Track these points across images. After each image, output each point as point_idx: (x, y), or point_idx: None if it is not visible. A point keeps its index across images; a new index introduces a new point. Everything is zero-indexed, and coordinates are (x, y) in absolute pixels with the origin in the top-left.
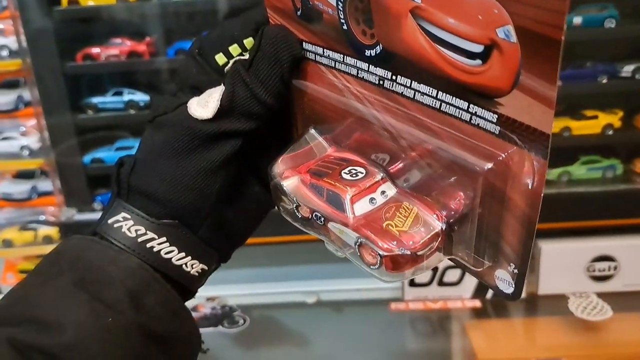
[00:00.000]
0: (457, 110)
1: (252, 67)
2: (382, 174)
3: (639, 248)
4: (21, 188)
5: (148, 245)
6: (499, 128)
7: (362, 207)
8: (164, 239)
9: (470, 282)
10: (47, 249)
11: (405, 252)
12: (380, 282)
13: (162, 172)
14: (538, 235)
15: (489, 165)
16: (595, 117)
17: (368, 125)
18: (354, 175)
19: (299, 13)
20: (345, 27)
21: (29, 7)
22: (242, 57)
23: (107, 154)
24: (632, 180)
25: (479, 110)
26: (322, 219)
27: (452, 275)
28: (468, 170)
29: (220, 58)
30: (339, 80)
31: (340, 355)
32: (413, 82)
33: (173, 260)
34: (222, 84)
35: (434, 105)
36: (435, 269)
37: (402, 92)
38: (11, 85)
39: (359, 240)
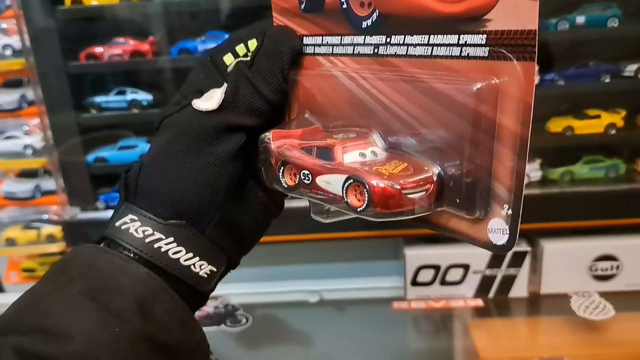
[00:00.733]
0: (448, 48)
1: (254, 63)
2: (374, 137)
3: None
4: (24, 187)
5: (155, 245)
6: (488, 48)
7: (352, 157)
8: (171, 239)
9: (473, 282)
10: (51, 248)
11: (395, 186)
12: (381, 281)
13: (168, 171)
14: (540, 235)
15: (478, 85)
16: (598, 116)
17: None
18: (345, 135)
19: (303, 7)
20: (345, 5)
21: (32, 7)
22: (244, 58)
23: (111, 153)
24: (634, 180)
25: (469, 38)
26: (310, 176)
27: (455, 274)
28: (458, 100)
29: (228, 58)
30: (335, 67)
31: (343, 354)
32: (406, 36)
33: (181, 260)
34: (225, 83)
35: (425, 53)
36: (437, 269)
37: (395, 53)
38: (14, 84)
39: (348, 182)
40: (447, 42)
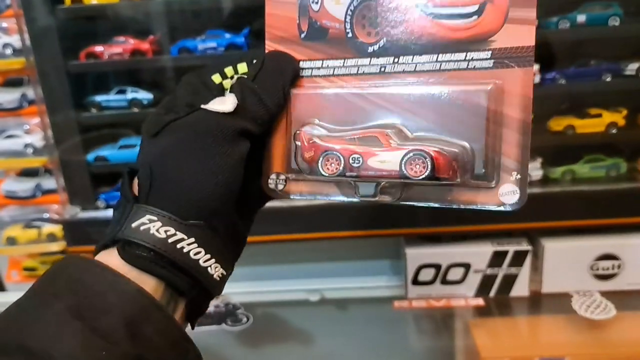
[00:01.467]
0: (456, 63)
1: (257, 79)
2: (402, 129)
3: None
4: (25, 186)
5: (178, 245)
6: (492, 61)
7: (397, 141)
8: (192, 239)
9: (474, 281)
10: (51, 247)
11: (449, 153)
12: (382, 280)
13: (187, 171)
14: (541, 234)
15: (490, 86)
16: (599, 115)
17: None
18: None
19: (303, 36)
20: (350, 34)
21: (33, 6)
22: (242, 76)
23: (111, 152)
24: (636, 179)
25: (476, 55)
26: (361, 159)
27: (456, 273)
28: (473, 100)
29: (216, 77)
30: (334, 84)
31: (344, 353)
32: (414, 57)
33: (200, 262)
34: (228, 93)
35: (434, 68)
36: (438, 268)
37: (403, 70)
38: (15, 83)
39: (407, 157)
40: (455, 59)
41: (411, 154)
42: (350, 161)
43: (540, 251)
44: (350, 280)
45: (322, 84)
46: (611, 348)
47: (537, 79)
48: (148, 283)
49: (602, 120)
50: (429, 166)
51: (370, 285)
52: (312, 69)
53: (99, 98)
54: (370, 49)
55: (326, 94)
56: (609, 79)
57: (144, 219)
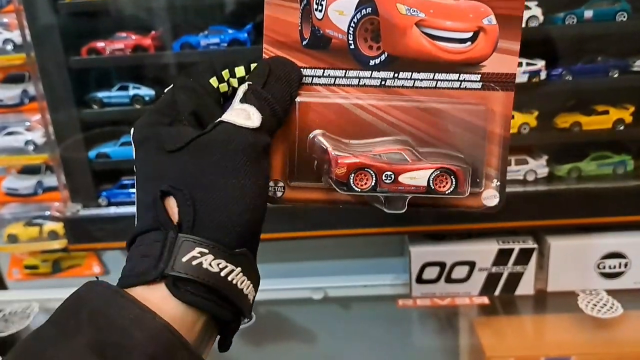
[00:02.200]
0: (450, 82)
1: (267, 87)
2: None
3: None
4: (26, 183)
5: (229, 278)
6: (481, 83)
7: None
8: (240, 269)
9: (479, 279)
10: (53, 244)
11: (463, 169)
12: (386, 278)
13: (229, 194)
14: (547, 232)
15: (483, 107)
16: (606, 112)
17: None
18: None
19: (305, 43)
20: (352, 46)
21: (34, 1)
22: (249, 82)
23: (113, 149)
24: None
25: (468, 77)
26: (393, 175)
27: (460, 272)
28: (468, 118)
29: (214, 81)
30: (335, 94)
31: (347, 351)
32: (413, 73)
33: (244, 290)
34: (240, 102)
35: (430, 86)
36: (443, 266)
37: (402, 85)
38: (16, 79)
39: (434, 174)
40: (449, 79)
41: (438, 172)
42: (383, 178)
43: (546, 249)
44: (354, 278)
45: (323, 93)
46: (618, 347)
47: (543, 75)
48: (191, 316)
49: (609, 117)
50: (454, 182)
51: (374, 283)
52: (313, 77)
53: (100, 94)
54: (371, 62)
55: (330, 103)
56: (616, 75)
57: (195, 252)
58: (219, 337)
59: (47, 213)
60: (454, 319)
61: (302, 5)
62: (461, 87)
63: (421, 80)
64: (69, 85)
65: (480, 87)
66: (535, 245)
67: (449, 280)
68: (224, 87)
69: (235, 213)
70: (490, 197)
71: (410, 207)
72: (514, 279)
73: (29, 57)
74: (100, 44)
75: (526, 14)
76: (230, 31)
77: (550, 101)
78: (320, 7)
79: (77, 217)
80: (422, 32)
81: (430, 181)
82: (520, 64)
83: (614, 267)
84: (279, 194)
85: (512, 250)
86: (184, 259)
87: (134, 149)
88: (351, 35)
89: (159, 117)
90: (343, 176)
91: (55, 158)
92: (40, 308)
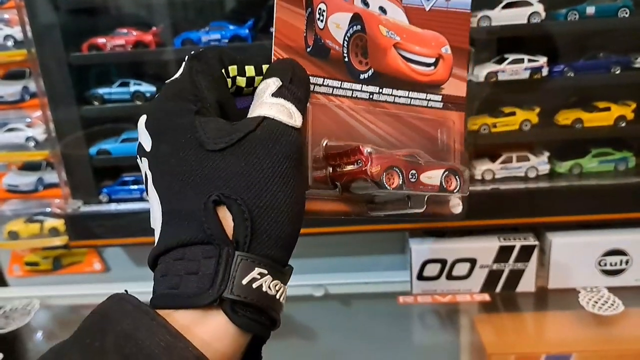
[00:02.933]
0: (420, 100)
1: (291, 87)
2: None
3: None
4: (27, 180)
5: (282, 299)
6: (442, 103)
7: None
8: (285, 286)
9: (480, 276)
10: (54, 241)
11: (464, 169)
12: (387, 275)
13: (282, 205)
14: (548, 229)
15: (445, 124)
16: (608, 109)
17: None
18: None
19: (309, 50)
20: (347, 59)
21: None
22: (276, 77)
23: (113, 146)
24: None
25: (432, 97)
26: (416, 174)
27: (461, 269)
28: (428, 131)
29: (232, 70)
30: (332, 103)
31: (348, 348)
32: (393, 90)
33: (284, 305)
34: (274, 96)
35: (406, 102)
36: (444, 263)
37: (385, 100)
38: (17, 76)
39: (445, 174)
40: (419, 97)
41: (447, 172)
42: (409, 176)
43: (547, 246)
44: (355, 275)
45: (323, 101)
46: (619, 344)
47: (545, 71)
48: (242, 340)
49: (611, 114)
50: (459, 181)
51: (375, 280)
52: (315, 84)
53: (101, 91)
54: (362, 76)
55: (331, 111)
56: (618, 72)
57: (255, 274)
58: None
59: (48, 210)
60: (455, 316)
61: (307, 12)
62: (428, 105)
63: (399, 96)
64: (69, 82)
65: (441, 106)
66: (537, 242)
67: (449, 277)
68: (228, 82)
69: (287, 225)
70: (455, 206)
71: (393, 217)
72: (515, 276)
73: (30, 53)
74: (101, 40)
75: (528, 10)
76: (231, 27)
77: (552, 98)
78: (321, 17)
79: (77, 213)
80: (399, 53)
81: (442, 180)
82: (522, 61)
83: (615, 264)
84: None
85: (513, 247)
86: (244, 281)
87: (148, 140)
88: (345, 49)
89: (181, 103)
90: (377, 175)
91: (56, 154)
92: (41, 305)
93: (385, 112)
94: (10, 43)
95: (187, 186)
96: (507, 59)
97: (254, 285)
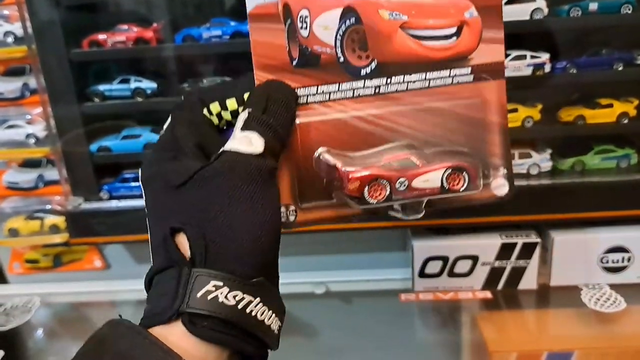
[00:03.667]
0: (442, 79)
1: (267, 112)
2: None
3: None
4: (27, 177)
5: (248, 310)
6: (472, 76)
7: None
8: (258, 299)
9: (482, 273)
10: (54, 238)
11: (473, 164)
12: (389, 272)
13: (240, 223)
14: (550, 226)
15: (478, 99)
16: (610, 105)
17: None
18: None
19: (295, 63)
20: (342, 59)
21: None
22: (249, 109)
23: (114, 143)
24: None
25: (457, 71)
26: (406, 182)
27: (463, 266)
28: (465, 112)
29: (207, 113)
30: (332, 109)
31: (349, 346)
32: (405, 76)
33: (265, 321)
34: (242, 130)
35: (424, 86)
36: (445, 260)
37: (396, 89)
38: (17, 72)
39: (446, 173)
40: (441, 76)
41: (450, 170)
42: (397, 186)
43: (549, 243)
44: (356, 272)
45: (320, 110)
46: (621, 342)
47: (548, 68)
48: (213, 353)
49: (613, 111)
50: (467, 179)
51: (376, 277)
52: (307, 95)
53: (102, 87)
54: (363, 72)
55: (328, 120)
56: (620, 68)
57: (209, 287)
58: None
59: (48, 207)
60: (457, 314)
61: (287, 25)
62: (453, 82)
63: (414, 81)
64: (70, 78)
65: (472, 79)
66: (539, 240)
67: (451, 274)
68: (214, 120)
69: (247, 242)
70: (499, 187)
71: (425, 209)
72: (517, 274)
73: (30, 49)
74: (101, 37)
75: (530, 7)
76: (232, 23)
77: (554, 94)
78: (304, 25)
79: (78, 210)
80: (408, 34)
81: (444, 181)
82: (524, 57)
83: (617, 261)
84: (292, 218)
85: (515, 244)
86: (199, 295)
87: (142, 190)
88: (339, 49)
89: (162, 154)
90: (356, 191)
91: (57, 151)
92: (42, 302)
93: (397, 104)
94: (10, 39)
95: (158, 221)
96: (509, 55)
97: (209, 297)
